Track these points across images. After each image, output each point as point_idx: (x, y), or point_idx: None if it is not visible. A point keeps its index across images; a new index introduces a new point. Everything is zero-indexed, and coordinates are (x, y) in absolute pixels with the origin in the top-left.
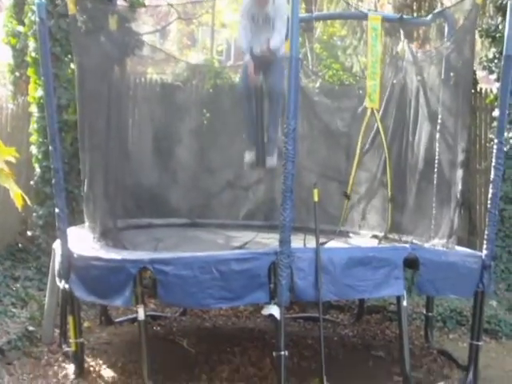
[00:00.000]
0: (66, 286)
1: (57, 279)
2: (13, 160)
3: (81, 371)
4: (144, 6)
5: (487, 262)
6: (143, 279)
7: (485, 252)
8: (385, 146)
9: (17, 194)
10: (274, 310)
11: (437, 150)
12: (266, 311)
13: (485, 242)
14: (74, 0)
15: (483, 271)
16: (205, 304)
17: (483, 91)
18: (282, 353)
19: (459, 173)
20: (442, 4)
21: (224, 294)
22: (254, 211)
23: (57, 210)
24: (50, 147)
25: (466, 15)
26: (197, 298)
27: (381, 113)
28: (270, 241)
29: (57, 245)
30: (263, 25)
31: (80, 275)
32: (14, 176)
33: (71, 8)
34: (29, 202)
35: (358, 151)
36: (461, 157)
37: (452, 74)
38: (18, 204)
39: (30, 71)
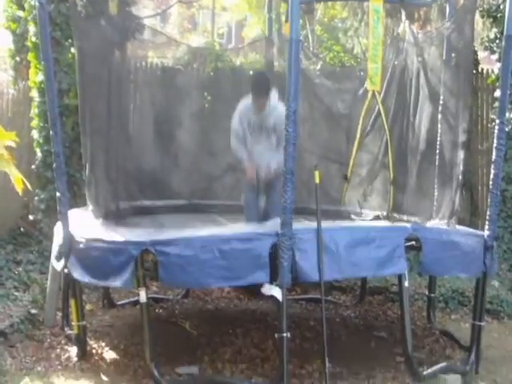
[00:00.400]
0: (66, 270)
1: (53, 261)
2: (13, 145)
3: (83, 354)
4: None
5: (489, 242)
6: (145, 262)
7: (487, 233)
8: (386, 127)
9: (17, 179)
10: (276, 292)
11: (438, 130)
12: (265, 290)
13: (487, 222)
14: None
15: (485, 251)
16: (205, 283)
17: (485, 72)
18: (284, 334)
19: (461, 153)
20: None
21: (225, 273)
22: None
23: (58, 194)
24: (51, 131)
25: None
26: (197, 277)
27: (382, 95)
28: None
29: (58, 228)
30: (260, 133)
31: (80, 257)
32: (15, 160)
33: None
34: (29, 187)
35: (358, 133)
36: (462, 137)
37: (453, 54)
38: (19, 188)
39: (30, 56)
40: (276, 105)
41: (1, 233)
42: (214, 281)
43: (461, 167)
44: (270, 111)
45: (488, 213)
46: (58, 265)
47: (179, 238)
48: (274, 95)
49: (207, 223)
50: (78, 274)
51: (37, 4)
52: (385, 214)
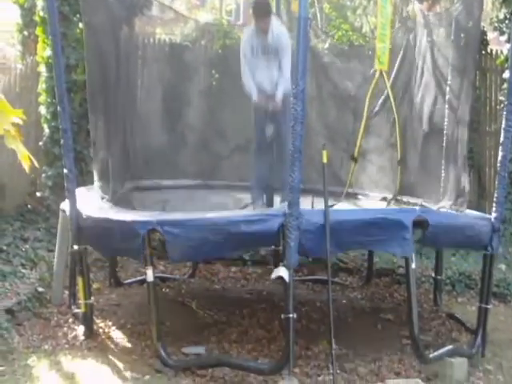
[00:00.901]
0: (75, 247)
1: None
2: (20, 122)
3: (90, 332)
4: None
5: (496, 224)
6: (152, 241)
7: (494, 215)
8: (394, 108)
9: (24, 156)
10: (283, 272)
11: (446, 111)
12: (275, 274)
13: (494, 204)
14: None
15: (492, 234)
16: (214, 256)
17: (493, 52)
18: (291, 315)
19: (467, 134)
20: None
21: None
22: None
23: (65, 171)
24: (59, 107)
25: None
26: (206, 252)
27: (391, 75)
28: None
29: (65, 205)
30: (263, 56)
31: (88, 236)
32: (22, 137)
33: None
34: (36, 164)
35: (365, 113)
36: (469, 118)
37: (462, 34)
38: (26, 166)
39: (38, 30)
40: (279, 27)
41: (8, 209)
42: (222, 253)
43: (467, 148)
44: (272, 35)
45: (495, 195)
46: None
47: (186, 218)
48: (275, 20)
49: (214, 202)
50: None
51: None
52: (392, 196)
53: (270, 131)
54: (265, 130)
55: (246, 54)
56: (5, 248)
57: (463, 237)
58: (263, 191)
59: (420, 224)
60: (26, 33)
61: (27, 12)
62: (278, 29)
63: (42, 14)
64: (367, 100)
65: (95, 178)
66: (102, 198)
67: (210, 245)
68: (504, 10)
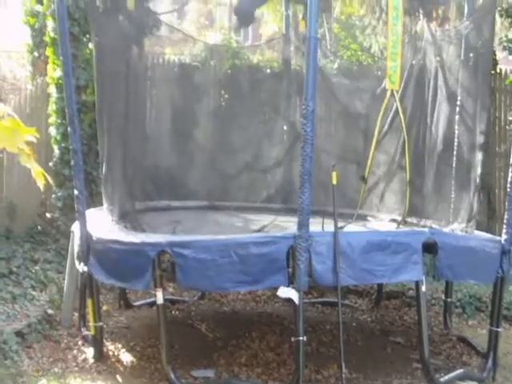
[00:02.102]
0: (85, 269)
1: (76, 262)
2: (34, 140)
3: (100, 355)
4: None
5: (507, 246)
6: (162, 263)
7: (504, 237)
8: (404, 128)
9: (39, 173)
10: (293, 295)
11: (456, 132)
12: (282, 293)
13: (504, 226)
14: None
15: (503, 256)
16: (223, 287)
17: (503, 72)
18: (301, 338)
19: (478, 155)
20: None
21: (242, 277)
22: (272, 194)
23: (76, 192)
24: (69, 128)
25: None
26: (215, 281)
27: (400, 94)
28: (288, 224)
29: (75, 227)
30: None
31: (99, 258)
32: (36, 156)
33: None
34: (51, 181)
35: (376, 133)
36: (480, 139)
37: (471, 54)
38: (40, 183)
39: (48, 51)
40: None
41: (18, 231)
42: (232, 285)
43: (478, 169)
44: None
45: (505, 217)
46: (79, 265)
47: (196, 240)
48: None
49: (224, 224)
50: (98, 275)
51: None
52: (401, 217)
53: None
54: None
55: None
56: (15, 270)
57: (473, 259)
58: None
59: (430, 246)
60: (36, 54)
61: (37, 33)
62: None
63: (52, 34)
64: (379, 121)
65: (104, 199)
66: (112, 220)
67: (220, 269)
68: None
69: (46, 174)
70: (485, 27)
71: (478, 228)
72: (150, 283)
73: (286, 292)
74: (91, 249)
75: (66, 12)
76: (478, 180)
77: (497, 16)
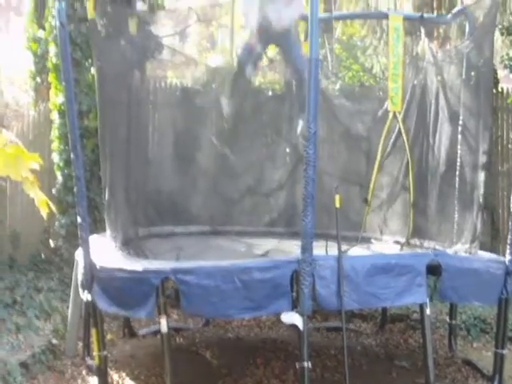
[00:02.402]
0: (89, 298)
1: (80, 290)
2: (37, 167)
3: None
4: (163, 8)
5: (511, 267)
6: (166, 289)
7: (508, 257)
8: (407, 149)
9: (42, 202)
10: (297, 320)
11: (458, 152)
12: (285, 318)
13: (508, 246)
14: (93, 4)
15: (507, 277)
16: (227, 314)
17: (504, 91)
18: (305, 364)
19: (481, 176)
20: (462, 2)
21: (246, 303)
22: (275, 218)
23: (79, 219)
24: (72, 154)
25: (486, 12)
26: (219, 308)
27: (402, 115)
28: (291, 248)
29: (79, 255)
30: None
31: (103, 286)
32: (40, 183)
33: (91, 12)
34: (54, 210)
35: (379, 155)
36: (483, 159)
37: (472, 73)
38: (44, 212)
39: (51, 77)
40: None
41: (22, 259)
42: (236, 312)
43: (482, 190)
44: None
45: (509, 237)
46: (83, 294)
47: (200, 266)
48: None
49: (227, 249)
50: (102, 304)
51: (57, 24)
52: (405, 239)
53: None
54: None
55: None
56: (19, 299)
57: (478, 281)
58: None
59: (434, 268)
60: (38, 79)
61: (40, 59)
62: None
63: (54, 60)
64: (381, 142)
65: (107, 225)
66: (115, 246)
67: (223, 295)
68: None
69: (49, 203)
70: (485, 46)
71: (482, 248)
72: (154, 311)
73: (289, 317)
74: (95, 277)
75: (68, 37)
76: (481, 200)
77: (497, 34)
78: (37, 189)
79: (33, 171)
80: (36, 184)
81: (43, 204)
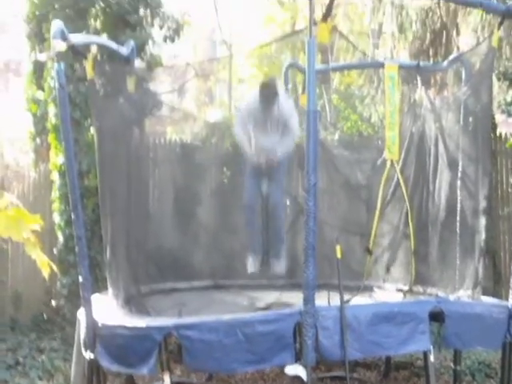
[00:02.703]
0: (92, 356)
1: (82, 349)
2: (38, 228)
3: None
4: (161, 65)
5: None
6: (168, 345)
7: (511, 302)
8: (406, 197)
9: (43, 263)
10: (301, 372)
11: (458, 198)
12: (289, 370)
13: (510, 291)
14: (92, 64)
15: (510, 321)
16: (230, 368)
17: (503, 135)
18: None
19: (482, 221)
20: (458, 48)
21: (249, 356)
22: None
23: (80, 279)
24: (72, 214)
25: (483, 59)
26: (222, 362)
27: (400, 163)
28: (294, 300)
29: (81, 314)
30: (266, 129)
31: (105, 344)
32: (41, 244)
33: (89, 72)
34: (56, 270)
35: (379, 204)
36: (483, 204)
37: (470, 119)
38: (45, 273)
39: (50, 137)
40: (285, 100)
41: (24, 320)
42: (239, 365)
43: (483, 235)
44: (278, 108)
45: (511, 280)
46: (86, 353)
47: (202, 321)
48: (282, 94)
49: (229, 303)
50: (105, 362)
51: (56, 85)
52: (407, 287)
53: (265, 188)
54: (257, 190)
55: (245, 123)
56: (21, 360)
57: (481, 326)
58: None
59: (437, 315)
60: (38, 140)
61: (39, 120)
62: (284, 101)
63: (54, 121)
64: (380, 191)
65: (109, 283)
66: (117, 304)
67: (226, 349)
68: (511, 92)
69: (51, 263)
70: (483, 91)
71: (484, 292)
72: (156, 367)
73: (293, 369)
74: (97, 335)
75: (67, 98)
76: (482, 245)
77: (495, 79)
78: (38, 250)
79: (34, 232)
80: (37, 245)
81: (44, 265)
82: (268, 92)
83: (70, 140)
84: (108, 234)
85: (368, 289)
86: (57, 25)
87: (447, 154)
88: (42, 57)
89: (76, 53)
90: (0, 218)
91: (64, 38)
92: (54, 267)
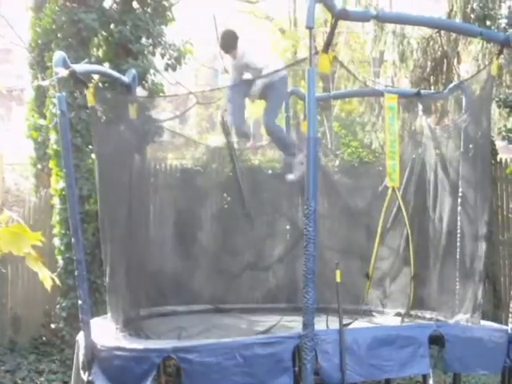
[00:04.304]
0: (90, 379)
1: (81, 372)
2: (39, 244)
3: None
4: (163, 93)
5: None
6: (167, 367)
7: (511, 326)
8: (407, 223)
9: (45, 278)
10: None
11: (459, 224)
12: None
13: (510, 315)
14: (93, 92)
15: (510, 346)
16: None
17: (503, 161)
18: None
19: (482, 246)
20: (459, 76)
21: (248, 380)
22: (276, 294)
23: (80, 302)
24: (73, 239)
25: (483, 86)
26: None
27: (401, 189)
28: (293, 324)
29: (80, 337)
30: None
31: (103, 366)
32: (42, 259)
33: (90, 100)
34: (58, 282)
35: (379, 231)
36: (483, 230)
37: (471, 145)
38: (48, 285)
39: (51, 163)
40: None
41: (23, 342)
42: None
43: (483, 260)
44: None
45: (511, 305)
46: (84, 375)
47: (201, 344)
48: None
49: (230, 327)
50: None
51: (58, 112)
52: (406, 311)
53: None
54: None
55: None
56: (20, 382)
57: (481, 350)
58: None
59: (436, 339)
60: (39, 166)
61: (40, 146)
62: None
63: (55, 147)
64: (381, 218)
65: (108, 307)
66: (116, 328)
67: (225, 372)
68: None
69: (53, 276)
70: (483, 118)
71: (485, 317)
72: None
73: None
74: (95, 358)
75: (68, 124)
76: (482, 270)
77: (495, 106)
78: (40, 264)
79: (35, 247)
80: (39, 259)
81: (46, 279)
82: (224, 42)
83: (71, 166)
84: (108, 258)
85: (367, 313)
86: (59, 54)
87: (447, 180)
88: (45, 82)
89: (77, 81)
90: (1, 233)
91: (66, 67)
92: (57, 280)
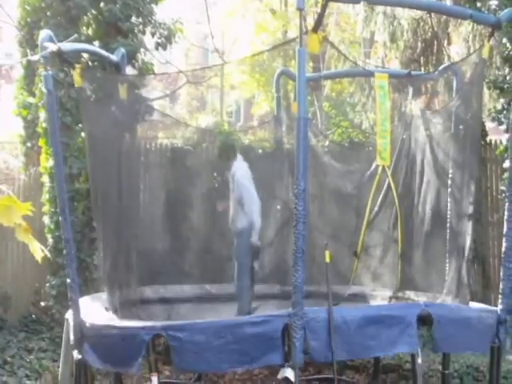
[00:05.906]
0: (80, 356)
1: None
2: (30, 213)
3: None
4: (153, 72)
5: (503, 316)
6: (157, 346)
7: (500, 306)
8: (396, 202)
9: (35, 249)
10: (289, 373)
11: (448, 204)
12: (281, 375)
13: (499, 296)
14: (79, 73)
15: (499, 326)
16: (219, 368)
17: (493, 143)
18: None
19: (469, 226)
20: (449, 57)
21: (238, 358)
22: (267, 275)
23: (68, 281)
24: (60, 217)
25: (473, 68)
26: (211, 362)
27: (391, 169)
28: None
29: (69, 315)
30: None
31: (93, 344)
32: (32, 230)
33: (77, 81)
34: (48, 254)
35: (368, 209)
36: (470, 209)
37: (461, 127)
38: (38, 257)
39: (41, 142)
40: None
41: (12, 320)
42: (228, 365)
43: (469, 240)
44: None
45: (501, 286)
46: (74, 353)
47: (191, 323)
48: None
49: (220, 310)
50: (93, 361)
51: (45, 91)
52: (393, 291)
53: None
54: None
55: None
56: (9, 360)
57: (469, 330)
58: None
59: (425, 319)
60: (29, 144)
61: (30, 124)
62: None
63: (44, 125)
64: (371, 196)
65: (101, 286)
66: (106, 308)
67: (215, 350)
68: (502, 101)
69: (43, 248)
70: (474, 100)
71: (474, 298)
72: (143, 366)
73: (282, 372)
74: (85, 335)
75: (55, 103)
76: (469, 250)
77: (485, 88)
78: (30, 236)
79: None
80: (29, 231)
81: (37, 250)
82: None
83: (58, 145)
84: (100, 237)
85: (356, 294)
86: (45, 32)
87: (437, 160)
88: (35, 57)
89: (64, 61)
90: None
91: None
92: (47, 252)
